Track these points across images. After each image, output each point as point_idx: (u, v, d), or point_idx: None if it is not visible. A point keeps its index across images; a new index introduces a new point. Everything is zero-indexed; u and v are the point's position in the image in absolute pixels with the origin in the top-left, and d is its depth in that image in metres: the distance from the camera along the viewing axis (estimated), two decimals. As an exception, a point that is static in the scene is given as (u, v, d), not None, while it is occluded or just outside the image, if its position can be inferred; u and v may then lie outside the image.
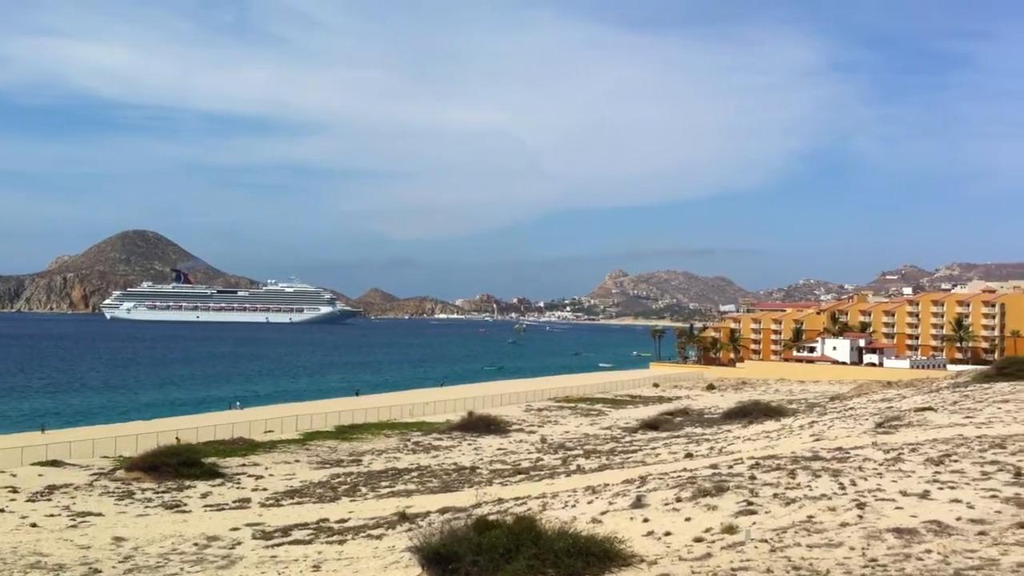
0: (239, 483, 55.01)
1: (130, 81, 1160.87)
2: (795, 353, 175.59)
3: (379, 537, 31.78)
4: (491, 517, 24.55)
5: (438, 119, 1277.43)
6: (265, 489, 52.82)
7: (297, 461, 64.80)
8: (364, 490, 50.97)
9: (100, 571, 29.48)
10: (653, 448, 61.33)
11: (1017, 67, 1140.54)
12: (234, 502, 48.04)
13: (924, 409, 55.15)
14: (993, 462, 28.82)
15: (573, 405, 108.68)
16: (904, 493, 24.61)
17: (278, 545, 32.97)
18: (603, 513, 27.09)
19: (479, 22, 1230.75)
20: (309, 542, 32.86)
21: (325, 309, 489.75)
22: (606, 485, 35.26)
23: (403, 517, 35.09)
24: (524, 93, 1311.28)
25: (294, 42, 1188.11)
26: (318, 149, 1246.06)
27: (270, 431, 78.13)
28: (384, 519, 36.07)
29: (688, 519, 24.20)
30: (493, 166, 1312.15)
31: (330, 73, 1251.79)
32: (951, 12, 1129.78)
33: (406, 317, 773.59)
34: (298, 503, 46.94)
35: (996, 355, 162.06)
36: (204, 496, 49.97)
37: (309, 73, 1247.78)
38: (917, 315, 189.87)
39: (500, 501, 36.24)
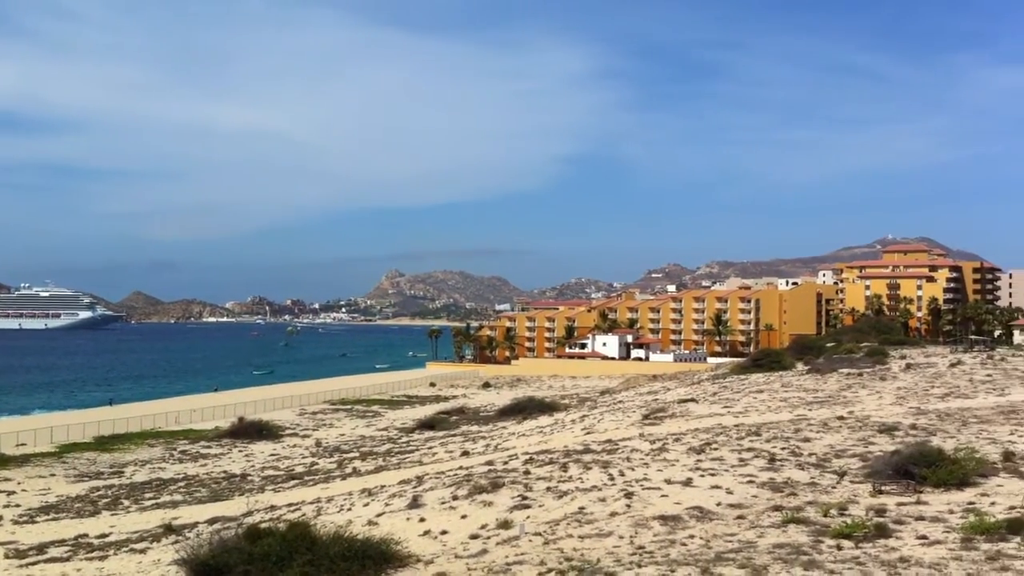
0: (-13, 501, 51.20)
1: None
2: (568, 350, 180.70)
3: (143, 551, 30.34)
4: (263, 525, 23.79)
5: (206, 117, 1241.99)
6: (18, 505, 49.46)
7: (53, 475, 61.02)
8: (127, 503, 48.60)
9: None
10: (430, 447, 61.44)
11: (764, 76, 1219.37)
12: (-18, 521, 44.66)
13: (687, 401, 57.87)
14: (749, 449, 30.48)
15: (349, 407, 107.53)
16: (669, 481, 25.61)
17: (33, 563, 30.94)
18: (379, 515, 26.84)
19: (249, 19, 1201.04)
20: (67, 559, 30.97)
21: (84, 314, 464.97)
22: (383, 487, 35.01)
23: (169, 529, 33.65)
24: (299, 92, 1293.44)
25: (47, 34, 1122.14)
26: (75, 147, 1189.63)
27: (22, 444, 73.15)
28: (149, 532, 34.49)
29: (464, 516, 24.29)
30: (266, 166, 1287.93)
31: (87, 67, 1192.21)
32: (709, 23, 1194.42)
33: (172, 321, 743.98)
34: (54, 519, 44.18)
35: (752, 348, 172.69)
36: (-52, 516, 46.18)
37: (64, 67, 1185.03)
38: (680, 311, 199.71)
39: (273, 508, 35.36)
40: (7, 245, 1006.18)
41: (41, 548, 33.91)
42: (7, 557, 32.79)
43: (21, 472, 61.27)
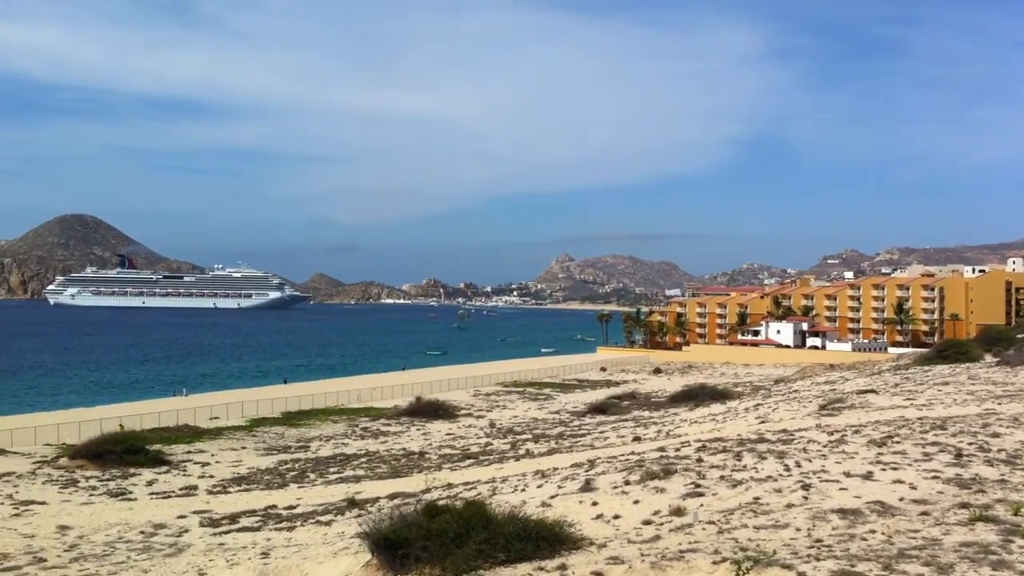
0: (185, 470, 54.45)
1: (63, 62, 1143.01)
2: (740, 337, 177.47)
3: (328, 523, 31.63)
4: (441, 502, 24.53)
5: (378, 102, 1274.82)
6: (212, 476, 52.34)
7: (243, 448, 64.28)
8: (312, 476, 50.71)
9: (45, 560, 29.00)
10: (601, 432, 61.65)
11: (946, 53, 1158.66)
12: (180, 489, 47.56)
13: (866, 391, 56.06)
14: (934, 443, 29.37)
15: (521, 390, 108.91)
16: (848, 474, 24.98)
17: (226, 532, 32.68)
18: (552, 497, 27.17)
19: (417, 4, 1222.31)
20: (257, 529, 32.61)
21: (274, 294, 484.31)
22: (555, 469, 35.37)
23: (352, 503, 34.96)
24: (465, 77, 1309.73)
25: (230, 23, 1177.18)
26: (257, 133, 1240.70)
27: (215, 417, 77.40)
28: (333, 505, 35.92)
29: (637, 502, 24.35)
30: (436, 150, 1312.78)
31: (268, 55, 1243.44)
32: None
33: (352, 303, 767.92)
34: (245, 490, 46.56)
35: (936, 338, 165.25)
36: (150, 484, 49.39)
37: (247, 55, 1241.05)
38: (858, 299, 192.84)
39: (450, 486, 36.21)
40: (196, 228, 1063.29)
41: (233, 518, 35.77)
42: (202, 525, 34.74)
43: (215, 444, 64.80)
